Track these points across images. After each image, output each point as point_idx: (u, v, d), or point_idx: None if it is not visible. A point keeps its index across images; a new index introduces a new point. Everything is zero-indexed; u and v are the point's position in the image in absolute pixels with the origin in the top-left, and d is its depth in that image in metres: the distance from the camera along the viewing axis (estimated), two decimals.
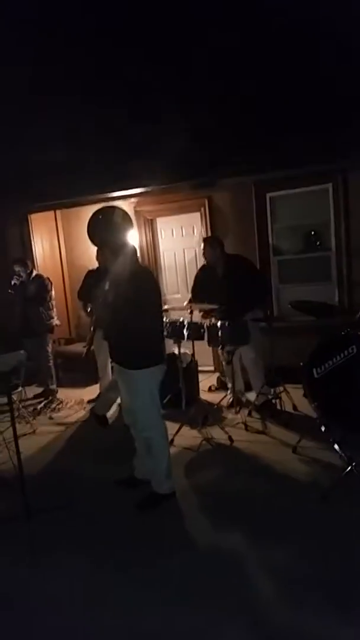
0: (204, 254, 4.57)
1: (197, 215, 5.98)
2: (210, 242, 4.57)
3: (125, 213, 3.09)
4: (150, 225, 6.38)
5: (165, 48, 4.41)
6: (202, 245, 4.61)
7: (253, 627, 2.04)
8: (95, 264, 4.82)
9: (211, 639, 2.02)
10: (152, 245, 6.43)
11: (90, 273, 4.98)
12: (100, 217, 3.00)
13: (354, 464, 2.99)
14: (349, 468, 2.99)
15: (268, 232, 5.58)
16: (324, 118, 4.28)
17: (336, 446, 3.18)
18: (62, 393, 5.65)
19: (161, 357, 3.06)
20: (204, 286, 4.57)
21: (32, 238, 6.46)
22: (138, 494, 3.14)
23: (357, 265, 5.17)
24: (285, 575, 2.35)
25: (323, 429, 3.31)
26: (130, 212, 6.34)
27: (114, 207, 3.16)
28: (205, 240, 4.72)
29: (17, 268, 5.37)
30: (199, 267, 5.23)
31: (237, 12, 3.90)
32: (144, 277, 3.03)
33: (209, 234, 5.73)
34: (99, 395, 5.30)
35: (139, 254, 6.39)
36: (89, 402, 5.31)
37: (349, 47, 3.88)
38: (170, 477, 3.12)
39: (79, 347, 6.26)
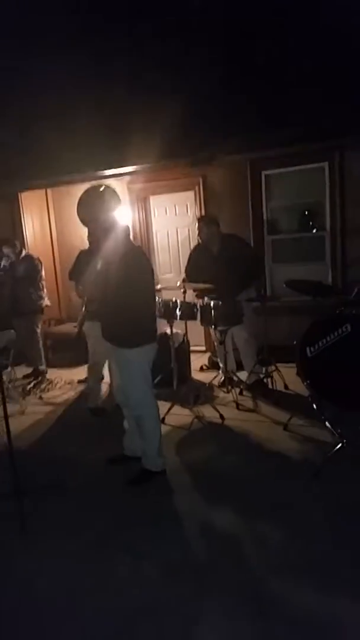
0: (199, 233, 4.52)
1: (191, 194, 5.90)
2: (206, 221, 4.52)
3: (113, 191, 3.04)
4: (143, 203, 6.28)
5: (162, 25, 4.31)
6: (198, 224, 4.56)
7: (245, 602, 2.05)
8: (86, 244, 4.73)
9: (203, 614, 2.02)
10: (145, 224, 6.35)
11: (82, 253, 4.88)
12: (90, 195, 2.95)
13: (344, 441, 3.00)
14: (340, 445, 2.99)
15: (262, 211, 5.52)
16: (321, 96, 4.20)
17: (327, 423, 3.18)
18: (52, 373, 5.61)
19: (153, 335, 3.05)
20: (198, 265, 4.53)
21: (22, 217, 6.34)
22: (128, 472, 3.14)
23: (351, 245, 5.14)
24: (277, 552, 2.35)
25: (315, 406, 3.31)
26: (123, 190, 6.25)
27: (101, 185, 3.10)
28: (200, 219, 4.67)
29: (5, 250, 5.26)
30: (192, 246, 5.18)
31: None
32: (136, 255, 2.99)
33: (203, 213, 5.66)
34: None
35: (131, 233, 6.33)
36: (79, 382, 5.29)
37: (345, 25, 3.80)
38: (161, 455, 3.12)
39: (69, 328, 6.21)
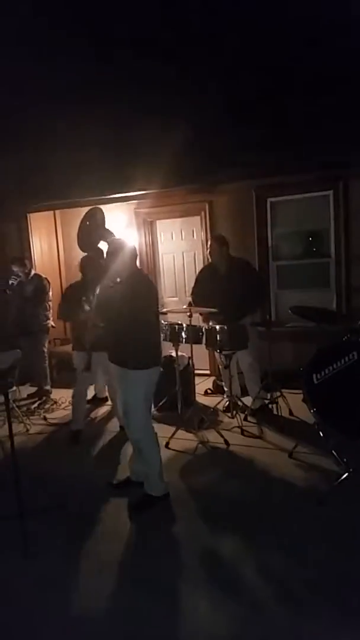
0: (210, 252, 4.59)
1: (197, 219, 5.98)
2: (218, 239, 4.59)
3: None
4: (150, 227, 6.37)
5: (169, 50, 4.42)
6: (210, 242, 4.63)
7: (248, 630, 2.01)
8: (76, 276, 4.63)
9: None
10: (152, 248, 6.42)
11: (71, 288, 4.48)
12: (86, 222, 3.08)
13: (351, 469, 2.98)
14: (346, 474, 2.97)
15: (268, 237, 5.59)
16: (326, 124, 4.30)
17: (334, 452, 3.16)
18: (56, 393, 5.60)
19: (158, 358, 3.09)
20: (205, 284, 4.60)
21: (30, 237, 6.42)
22: (132, 496, 3.12)
23: (356, 272, 5.18)
24: (282, 580, 2.33)
25: (321, 434, 3.30)
26: (130, 214, 6.36)
27: (96, 209, 3.28)
28: (212, 237, 4.73)
29: (15, 268, 5.31)
30: (197, 270, 5.24)
31: (239, 11, 3.91)
32: (141, 278, 3.06)
33: (209, 237, 5.73)
34: (94, 397, 5.28)
35: (137, 256, 6.39)
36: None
37: (350, 52, 3.90)
38: (162, 479, 3.11)
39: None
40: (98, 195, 5.50)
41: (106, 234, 3.22)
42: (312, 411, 3.21)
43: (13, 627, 2.17)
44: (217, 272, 4.56)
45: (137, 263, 3.16)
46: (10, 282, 5.27)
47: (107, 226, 3.31)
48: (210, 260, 4.65)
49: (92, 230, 3.44)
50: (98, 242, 3.21)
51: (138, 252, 6.40)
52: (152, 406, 4.74)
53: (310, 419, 3.49)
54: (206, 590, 2.29)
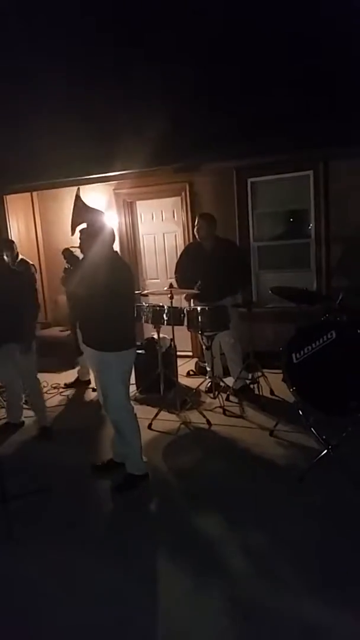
0: (197, 229, 4.55)
1: (177, 199, 5.93)
2: (206, 218, 4.56)
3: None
4: (130, 208, 6.29)
5: (149, 32, 4.33)
6: (197, 220, 4.59)
7: (231, 606, 2.07)
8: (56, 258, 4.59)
9: (190, 619, 2.04)
10: (132, 229, 6.36)
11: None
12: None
13: (330, 446, 3.04)
14: (325, 451, 3.04)
15: (248, 218, 5.58)
16: (306, 106, 4.27)
17: (313, 429, 3.22)
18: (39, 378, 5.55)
19: (132, 340, 3.11)
20: (189, 261, 4.60)
21: (7, 220, 6.29)
22: (115, 477, 3.14)
23: (336, 252, 5.22)
24: (262, 556, 2.38)
25: (300, 412, 3.35)
26: (110, 195, 6.26)
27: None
28: (201, 215, 4.67)
29: (5, 253, 5.09)
30: (178, 252, 5.22)
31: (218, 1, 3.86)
32: (114, 261, 3.04)
33: (190, 218, 5.69)
34: (77, 379, 5.27)
35: (117, 238, 6.33)
36: (66, 385, 5.28)
37: (330, 34, 3.87)
38: (142, 458, 3.14)
39: (54, 332, 6.18)
40: (77, 176, 5.40)
41: (91, 213, 3.20)
42: (291, 390, 3.25)
43: None
44: (202, 250, 4.55)
45: (117, 246, 3.16)
46: None
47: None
48: (197, 237, 4.62)
49: (83, 211, 3.41)
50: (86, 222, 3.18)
51: (118, 234, 6.36)
52: (135, 388, 4.79)
53: (290, 398, 3.53)
54: (188, 568, 2.33)
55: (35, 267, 5.22)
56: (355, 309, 3.35)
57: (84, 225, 3.16)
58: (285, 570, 2.27)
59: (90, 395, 5.01)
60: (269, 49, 4.06)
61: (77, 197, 3.50)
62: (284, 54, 4.04)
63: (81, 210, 3.40)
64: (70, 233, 3.39)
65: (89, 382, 5.18)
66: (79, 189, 3.63)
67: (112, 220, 6.16)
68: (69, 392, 5.14)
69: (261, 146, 4.72)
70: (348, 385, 3.00)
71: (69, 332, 5.26)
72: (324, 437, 3.15)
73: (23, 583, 2.34)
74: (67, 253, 4.13)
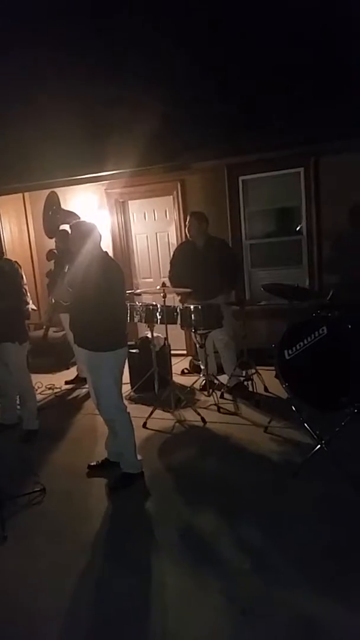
0: (188, 227, 4.58)
1: (169, 198, 5.94)
2: (197, 217, 4.58)
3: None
4: (122, 208, 6.29)
5: (139, 30, 4.33)
6: (189, 218, 4.61)
7: (228, 602, 2.08)
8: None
9: (187, 615, 2.05)
10: (124, 229, 6.36)
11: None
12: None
13: (323, 442, 3.07)
14: (319, 446, 3.06)
15: (240, 216, 5.60)
16: (296, 103, 4.28)
17: (306, 425, 3.25)
18: (32, 379, 5.53)
19: (124, 340, 3.13)
20: (182, 260, 4.62)
21: None
22: (110, 476, 3.16)
23: (328, 249, 5.25)
24: (259, 551, 2.40)
25: (294, 408, 3.37)
26: (102, 195, 6.26)
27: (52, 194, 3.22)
28: (192, 214, 4.69)
29: None
30: (171, 251, 5.23)
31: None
32: (104, 261, 3.05)
33: (182, 217, 5.71)
34: (77, 377, 5.29)
35: (110, 238, 6.33)
36: (67, 382, 5.32)
37: (321, 31, 3.88)
38: (137, 457, 3.15)
39: (49, 333, 6.17)
40: (68, 176, 5.39)
41: (68, 217, 3.21)
42: (284, 386, 3.28)
43: None
44: (194, 249, 4.57)
45: (110, 246, 3.17)
46: None
47: (66, 209, 3.30)
48: (188, 236, 4.64)
49: (54, 217, 3.45)
50: (60, 226, 3.20)
51: (110, 234, 6.37)
52: (130, 387, 4.80)
53: (284, 394, 3.56)
54: (185, 565, 2.35)
55: (18, 263, 5.25)
56: (345, 304, 3.38)
57: (65, 226, 3.16)
58: (283, 565, 2.28)
59: (83, 394, 5.01)
60: (258, 46, 4.07)
61: (50, 200, 3.48)
62: (272, 50, 4.05)
63: (56, 213, 3.42)
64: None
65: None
66: (50, 193, 3.61)
67: (104, 220, 6.17)
68: (63, 391, 5.15)
69: (252, 143, 4.74)
70: (339, 381, 3.02)
71: (63, 332, 5.27)
72: (317, 432, 3.17)
73: (18, 582, 2.34)
74: (51, 255, 4.16)
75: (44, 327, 3.61)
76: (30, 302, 5.37)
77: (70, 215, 3.39)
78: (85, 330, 3.03)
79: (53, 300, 3.50)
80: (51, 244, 6.15)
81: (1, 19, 4.48)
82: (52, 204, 4.36)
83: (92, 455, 3.50)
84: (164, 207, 6.11)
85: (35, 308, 5.51)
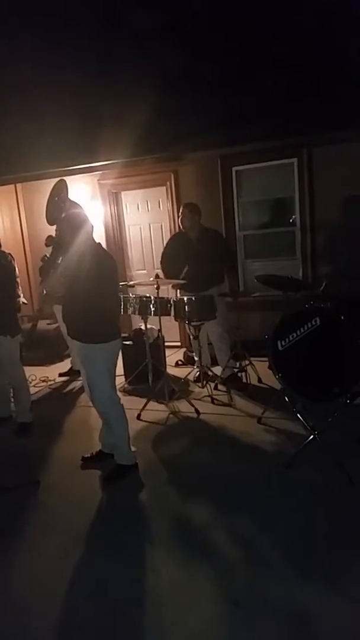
0: (181, 219, 4.55)
1: (162, 189, 5.90)
2: (190, 208, 4.54)
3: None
4: (115, 198, 6.25)
5: (132, 20, 4.27)
6: (182, 210, 4.58)
7: (221, 593, 2.10)
8: (41, 251, 4.61)
9: (180, 606, 2.07)
10: (117, 220, 6.33)
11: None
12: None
13: (316, 432, 3.08)
14: (312, 436, 3.08)
15: (234, 207, 5.57)
16: (289, 93, 4.25)
17: (299, 415, 3.26)
18: (26, 371, 5.52)
19: (117, 332, 3.12)
20: (175, 251, 4.60)
21: None
22: (104, 468, 3.16)
23: (321, 240, 5.25)
24: (251, 543, 2.41)
25: (287, 399, 3.39)
26: (94, 185, 6.21)
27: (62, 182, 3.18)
28: (185, 205, 4.66)
29: None
30: (165, 242, 5.20)
31: None
32: (97, 252, 3.03)
33: (175, 208, 5.68)
34: (71, 369, 5.29)
35: (103, 229, 6.30)
36: (61, 375, 5.33)
37: (314, 23, 3.85)
38: (131, 448, 3.16)
39: (42, 325, 6.14)
40: (61, 167, 5.34)
41: (72, 207, 3.19)
42: (277, 377, 3.28)
43: None
44: (187, 240, 4.55)
45: (103, 237, 3.15)
46: None
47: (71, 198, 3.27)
48: (181, 228, 4.62)
49: (59, 204, 3.41)
50: (63, 214, 3.18)
51: (104, 225, 6.32)
52: (124, 379, 4.80)
53: (277, 385, 3.57)
54: (178, 556, 2.36)
55: (12, 256, 5.21)
56: (338, 295, 3.38)
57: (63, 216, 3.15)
58: (275, 556, 2.30)
59: (78, 386, 5.01)
60: (251, 37, 4.04)
61: (58, 188, 3.47)
62: (266, 41, 4.02)
63: (66, 201, 3.38)
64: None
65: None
66: (60, 181, 3.60)
67: (97, 211, 6.12)
68: (57, 384, 5.15)
69: (245, 133, 4.71)
70: (332, 371, 3.03)
71: (56, 324, 5.27)
72: (310, 423, 3.19)
73: (13, 575, 2.35)
74: (51, 240, 4.11)
75: (34, 318, 3.58)
76: (22, 295, 5.37)
77: (74, 206, 3.36)
78: (78, 322, 3.02)
79: (44, 292, 3.46)
80: (44, 233, 6.11)
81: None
82: (60, 191, 4.29)
83: (86, 447, 3.50)
84: (157, 198, 6.07)
85: (26, 302, 5.49)
